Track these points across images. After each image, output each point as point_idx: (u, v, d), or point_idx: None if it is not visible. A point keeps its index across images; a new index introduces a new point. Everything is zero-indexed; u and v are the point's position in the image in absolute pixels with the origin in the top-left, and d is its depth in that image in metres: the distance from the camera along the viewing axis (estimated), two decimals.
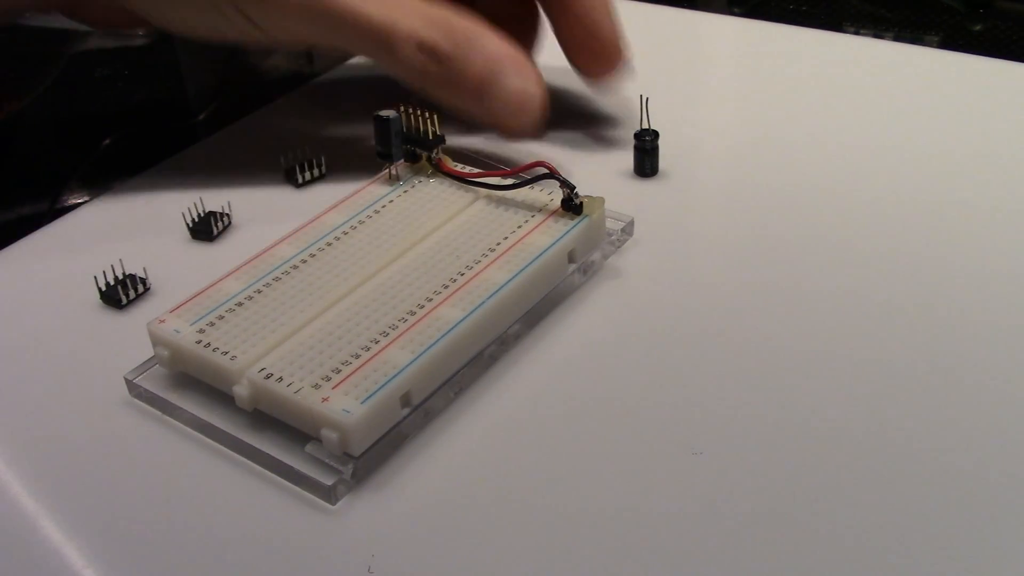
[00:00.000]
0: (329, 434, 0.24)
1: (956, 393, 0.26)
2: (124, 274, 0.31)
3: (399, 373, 0.24)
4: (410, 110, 0.32)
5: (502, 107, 0.31)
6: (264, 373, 0.25)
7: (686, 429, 0.25)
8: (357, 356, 0.25)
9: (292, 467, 0.24)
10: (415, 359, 0.25)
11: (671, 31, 0.46)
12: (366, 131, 0.32)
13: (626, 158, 0.35)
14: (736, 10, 0.51)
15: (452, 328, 0.26)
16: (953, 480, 0.23)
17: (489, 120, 0.32)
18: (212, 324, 0.27)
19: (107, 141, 0.41)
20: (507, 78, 0.30)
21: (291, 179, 0.36)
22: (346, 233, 0.30)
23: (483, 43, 0.30)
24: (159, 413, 0.27)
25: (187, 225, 0.33)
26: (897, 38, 0.47)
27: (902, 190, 0.34)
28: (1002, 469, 0.24)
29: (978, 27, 0.49)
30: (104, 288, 0.30)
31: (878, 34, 0.48)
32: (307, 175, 0.36)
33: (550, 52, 0.36)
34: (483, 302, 0.27)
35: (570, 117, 0.39)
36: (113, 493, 0.25)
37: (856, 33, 0.48)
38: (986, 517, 0.23)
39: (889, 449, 0.24)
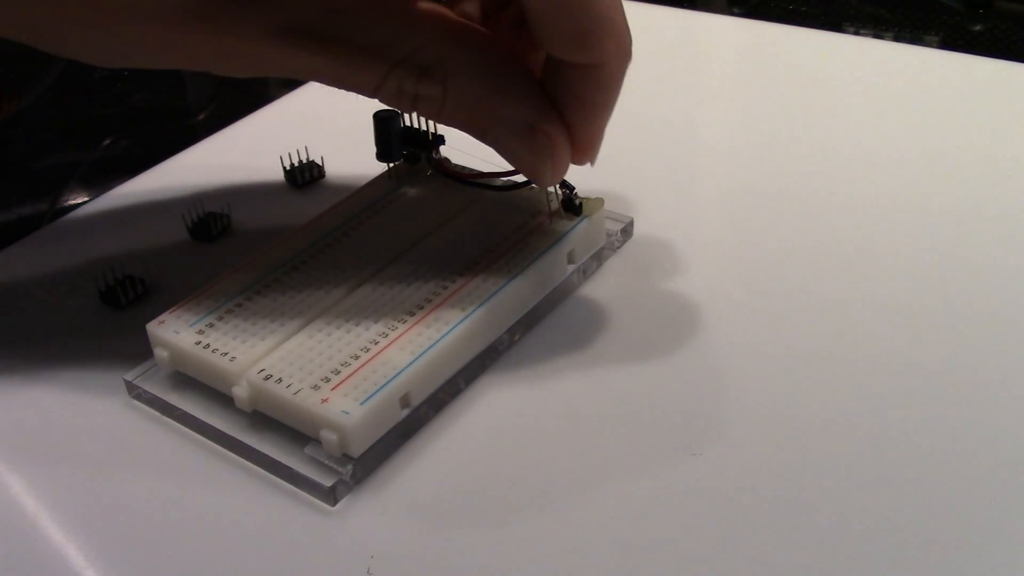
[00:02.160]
0: (328, 435, 0.24)
1: (956, 392, 0.26)
2: (124, 274, 0.31)
3: (399, 374, 0.24)
4: None
5: (509, 162, 0.27)
6: (263, 374, 0.25)
7: (685, 430, 0.25)
8: (356, 357, 0.25)
9: (292, 468, 0.24)
10: (415, 360, 0.25)
11: (671, 31, 0.46)
12: (366, 131, 0.32)
13: (627, 159, 0.35)
14: (736, 10, 0.51)
15: (452, 329, 0.26)
16: (951, 479, 0.23)
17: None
18: (211, 325, 0.27)
19: (107, 141, 0.41)
20: (513, 146, 0.26)
21: (291, 179, 0.36)
22: (345, 234, 0.30)
23: (484, 103, 0.25)
24: (159, 414, 0.27)
25: (187, 225, 0.33)
26: (897, 38, 0.47)
27: (902, 189, 0.34)
28: (1001, 467, 0.24)
29: (978, 27, 0.49)
30: (104, 288, 0.30)
31: (878, 34, 0.48)
32: (307, 175, 0.36)
33: None
34: (483, 303, 0.27)
35: None
36: (113, 493, 0.25)
37: (856, 33, 0.48)
38: (985, 517, 0.23)
39: (888, 449, 0.24)
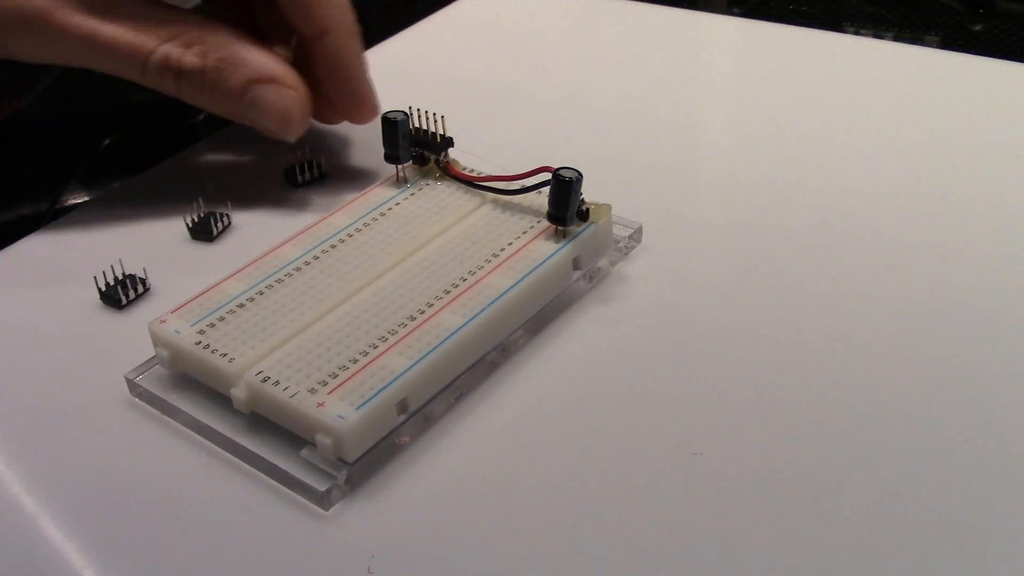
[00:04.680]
0: (323, 439, 0.24)
1: (958, 391, 0.26)
2: (124, 274, 0.31)
3: (396, 379, 0.24)
4: (418, 112, 0.32)
5: (262, 121, 0.33)
6: (261, 376, 0.25)
7: (687, 432, 0.25)
8: (355, 361, 0.25)
9: (287, 471, 0.24)
10: (413, 365, 0.25)
11: (671, 31, 0.46)
12: (366, 131, 0.32)
13: (630, 161, 0.35)
14: (736, 10, 0.51)
15: (452, 334, 0.26)
16: (953, 478, 0.24)
17: (252, 125, 0.33)
18: (212, 325, 0.27)
19: (107, 141, 0.41)
20: (265, 96, 0.32)
21: (291, 179, 0.36)
22: (351, 236, 0.30)
23: (239, 60, 0.32)
24: (159, 413, 0.27)
25: (187, 225, 0.33)
26: (897, 38, 0.47)
27: (903, 190, 0.34)
28: (1003, 464, 0.24)
29: (978, 27, 0.49)
30: (104, 288, 0.30)
31: (878, 34, 0.48)
32: (307, 175, 0.36)
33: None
34: (484, 308, 0.26)
35: (577, 122, 0.39)
36: (112, 492, 0.25)
37: (856, 33, 0.48)
38: (986, 515, 0.23)
39: (890, 447, 0.24)
